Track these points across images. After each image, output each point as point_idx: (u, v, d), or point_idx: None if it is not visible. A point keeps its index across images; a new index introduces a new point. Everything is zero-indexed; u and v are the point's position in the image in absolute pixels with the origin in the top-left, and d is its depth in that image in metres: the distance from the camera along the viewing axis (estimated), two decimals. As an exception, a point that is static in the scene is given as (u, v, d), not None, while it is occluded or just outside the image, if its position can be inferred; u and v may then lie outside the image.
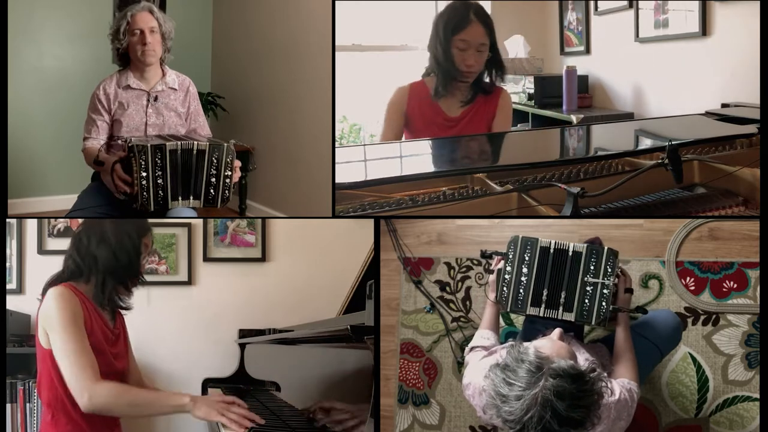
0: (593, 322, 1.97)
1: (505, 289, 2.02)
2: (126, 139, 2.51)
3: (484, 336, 2.10)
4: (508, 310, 2.04)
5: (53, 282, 2.07)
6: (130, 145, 2.43)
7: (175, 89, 2.83)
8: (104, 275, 2.06)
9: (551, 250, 2.01)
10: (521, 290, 2.01)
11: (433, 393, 2.78)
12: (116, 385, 1.97)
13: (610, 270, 1.96)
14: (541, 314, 2.00)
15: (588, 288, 1.97)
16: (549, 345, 1.65)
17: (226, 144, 2.51)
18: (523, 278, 2.01)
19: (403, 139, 2.85)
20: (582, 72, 4.41)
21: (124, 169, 2.47)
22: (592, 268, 1.97)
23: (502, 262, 2.05)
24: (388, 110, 2.83)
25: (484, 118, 2.84)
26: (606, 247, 1.99)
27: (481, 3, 2.83)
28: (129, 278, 2.12)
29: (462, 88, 2.79)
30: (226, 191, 2.52)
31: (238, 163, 2.54)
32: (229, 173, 2.50)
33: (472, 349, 2.09)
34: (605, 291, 1.96)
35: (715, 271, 2.62)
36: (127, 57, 2.78)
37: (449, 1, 2.92)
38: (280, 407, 2.54)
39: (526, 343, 1.66)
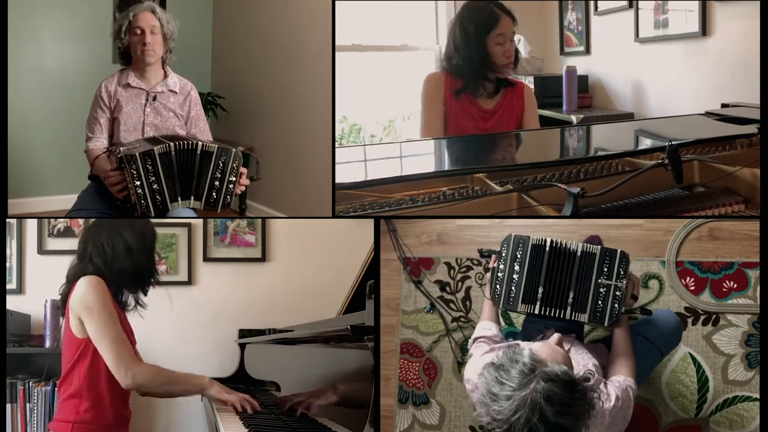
0: (606, 323, 1.98)
1: (498, 286, 2.04)
2: (115, 150, 2.52)
3: (485, 327, 2.11)
4: (500, 307, 2.06)
5: (78, 273, 2.21)
6: (119, 156, 2.44)
7: (176, 92, 2.82)
8: (126, 279, 2.23)
9: (546, 248, 2.01)
10: (513, 287, 2.02)
11: (433, 393, 2.78)
12: (153, 366, 2.23)
13: (623, 273, 1.98)
14: (537, 311, 2.01)
15: (601, 290, 1.98)
16: (545, 349, 1.64)
17: (234, 150, 2.51)
18: (515, 276, 2.02)
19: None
20: (582, 72, 4.41)
21: (118, 179, 2.48)
22: (605, 270, 1.98)
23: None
24: (428, 99, 2.87)
25: (514, 112, 2.91)
26: (619, 250, 2.00)
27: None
28: (148, 281, 2.30)
29: (488, 83, 2.84)
30: (228, 196, 2.52)
31: (244, 171, 2.54)
32: (234, 179, 2.51)
33: (475, 340, 2.09)
34: (618, 293, 1.97)
35: (715, 271, 2.62)
36: (129, 56, 2.78)
37: (452, 2, 2.95)
38: (281, 407, 2.54)
39: (522, 344, 1.66)
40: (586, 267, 1.99)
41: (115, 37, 2.76)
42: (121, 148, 2.52)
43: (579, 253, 2.00)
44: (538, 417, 1.50)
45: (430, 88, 2.87)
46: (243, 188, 2.59)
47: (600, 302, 1.98)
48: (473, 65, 2.79)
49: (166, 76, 2.82)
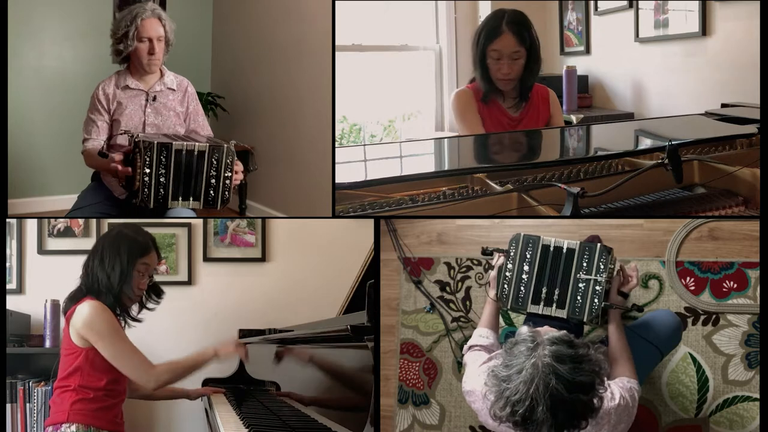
0: (585, 319, 1.97)
1: (506, 286, 2.02)
2: (133, 134, 2.50)
3: (482, 335, 2.10)
4: (509, 308, 2.04)
5: (76, 296, 2.33)
6: (136, 140, 2.43)
7: (174, 89, 2.83)
8: (110, 296, 2.33)
9: (551, 248, 2.01)
10: (522, 288, 2.01)
11: (433, 393, 2.78)
12: (165, 364, 2.39)
13: (602, 267, 1.96)
14: (541, 312, 2.00)
15: (581, 285, 1.97)
16: (539, 328, 1.71)
17: (225, 145, 2.49)
18: (524, 276, 2.01)
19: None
20: (582, 72, 4.41)
21: (126, 162, 2.47)
22: (584, 264, 1.98)
23: (502, 258, 2.06)
24: (463, 114, 2.89)
25: (540, 118, 2.95)
26: (599, 244, 1.99)
27: (481, 3, 2.88)
28: (125, 298, 2.38)
29: (507, 90, 2.87)
30: (226, 192, 2.51)
31: (239, 166, 2.54)
32: (229, 174, 2.49)
33: (470, 348, 2.09)
34: (597, 288, 1.96)
35: (715, 271, 2.62)
36: (128, 57, 2.77)
37: (452, 2, 2.97)
38: (280, 407, 2.54)
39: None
40: (568, 263, 1.99)
41: (118, 41, 2.73)
42: (140, 134, 2.52)
43: (564, 250, 2.00)
44: (555, 379, 1.51)
45: (461, 103, 2.89)
46: (240, 181, 2.57)
47: (579, 297, 1.97)
48: (479, 75, 2.83)
49: (162, 74, 2.82)
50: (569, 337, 1.59)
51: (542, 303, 2.00)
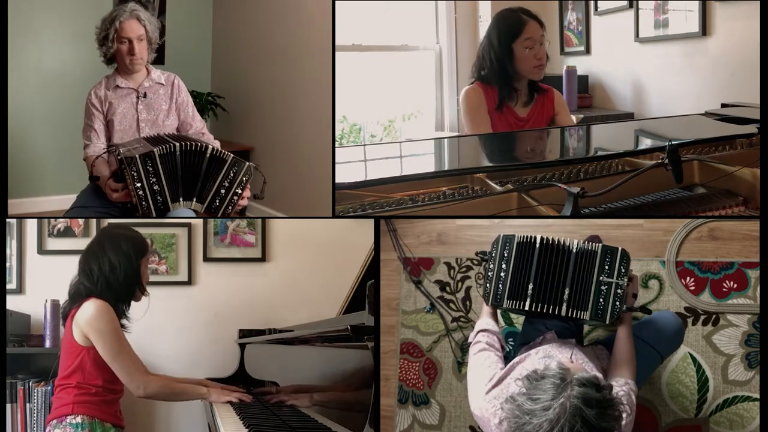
0: (608, 321, 1.98)
1: (488, 285, 2.06)
2: (116, 152, 2.51)
3: (485, 322, 2.11)
4: (489, 304, 2.08)
5: (77, 298, 2.36)
6: (119, 158, 2.43)
7: (162, 84, 2.85)
8: (115, 295, 2.36)
9: (536, 245, 2.02)
10: (500, 285, 2.04)
11: (433, 393, 2.78)
12: (161, 377, 2.51)
13: (624, 270, 1.98)
14: (527, 308, 2.01)
15: (603, 287, 1.98)
16: (568, 365, 1.67)
17: (247, 163, 2.51)
18: (501, 273, 2.04)
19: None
20: (582, 72, 4.41)
21: (118, 180, 2.48)
22: (606, 267, 1.98)
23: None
24: (472, 113, 2.92)
25: (545, 117, 2.98)
26: (620, 248, 2.00)
27: (481, 3, 2.90)
28: (133, 295, 2.43)
29: (521, 90, 2.90)
30: (230, 207, 2.52)
31: (247, 191, 2.55)
32: (240, 191, 2.51)
33: (477, 333, 2.09)
34: (619, 291, 1.97)
35: (715, 271, 2.62)
36: (114, 58, 2.80)
37: (452, 2, 2.99)
38: (280, 407, 2.54)
39: (545, 362, 1.67)
40: (585, 264, 1.99)
41: (101, 43, 2.76)
42: (121, 149, 2.51)
43: (575, 250, 2.00)
44: (581, 423, 1.49)
45: (472, 102, 2.91)
46: (243, 206, 2.61)
47: (602, 300, 1.98)
48: (502, 72, 2.84)
49: (149, 72, 2.83)
50: (599, 380, 1.57)
51: (529, 299, 2.01)
